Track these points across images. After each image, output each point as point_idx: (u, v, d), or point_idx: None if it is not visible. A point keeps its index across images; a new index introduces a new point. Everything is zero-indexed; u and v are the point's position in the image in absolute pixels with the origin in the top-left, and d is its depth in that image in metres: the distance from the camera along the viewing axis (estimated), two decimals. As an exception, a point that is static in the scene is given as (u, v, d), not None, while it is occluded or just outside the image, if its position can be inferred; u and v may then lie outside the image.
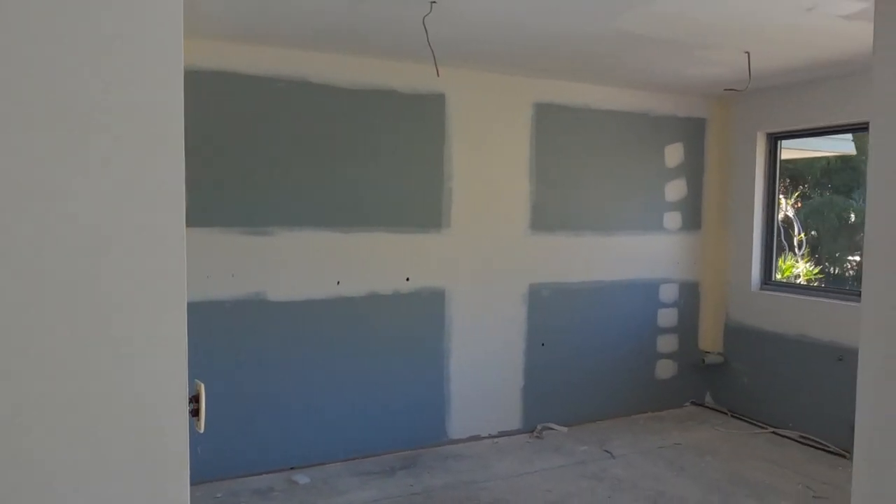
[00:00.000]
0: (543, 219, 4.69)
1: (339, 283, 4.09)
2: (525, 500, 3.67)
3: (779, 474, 4.04)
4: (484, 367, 4.56)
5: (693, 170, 5.26)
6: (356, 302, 4.15)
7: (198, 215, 3.71)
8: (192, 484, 3.79)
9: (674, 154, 5.17)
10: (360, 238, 4.14)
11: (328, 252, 4.06)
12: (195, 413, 1.58)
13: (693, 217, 5.29)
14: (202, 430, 1.60)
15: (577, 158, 4.79)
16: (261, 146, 3.86)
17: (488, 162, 4.49)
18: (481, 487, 3.82)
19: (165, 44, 1.26)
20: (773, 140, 5.05)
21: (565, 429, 4.78)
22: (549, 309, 4.75)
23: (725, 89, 4.59)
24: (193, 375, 3.80)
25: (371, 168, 4.15)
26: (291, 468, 4.01)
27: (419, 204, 4.30)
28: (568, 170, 4.76)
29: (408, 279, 4.29)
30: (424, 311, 4.36)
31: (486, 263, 4.53)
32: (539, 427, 4.73)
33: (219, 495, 3.67)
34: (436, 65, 3.60)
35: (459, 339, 4.47)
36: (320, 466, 4.06)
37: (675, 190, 5.20)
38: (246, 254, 3.86)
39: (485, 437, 4.59)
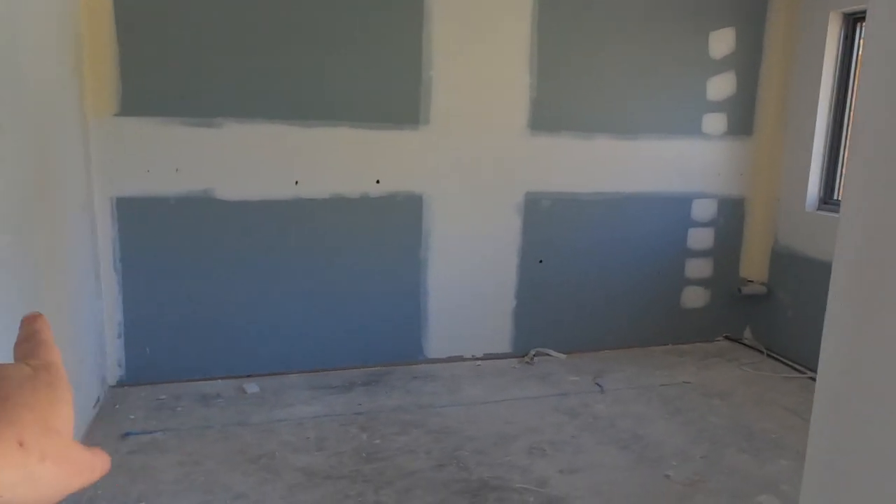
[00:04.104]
0: (546, 117, 4.03)
1: (297, 182, 3.72)
2: (476, 430, 3.27)
3: (794, 428, 3.38)
4: (468, 283, 4.10)
5: (746, 62, 4.34)
6: (318, 205, 3.78)
7: (134, 102, 3.42)
8: (137, 385, 3.63)
9: (722, 41, 4.26)
10: (322, 133, 3.71)
11: (284, 148, 3.67)
12: None
13: (743, 120, 4.41)
14: None
15: (593, 43, 4.03)
16: (204, 23, 3.46)
17: (478, 45, 3.86)
18: (435, 413, 3.46)
19: None
20: (851, 22, 4.02)
21: (563, 356, 4.28)
22: (549, 222, 4.17)
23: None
24: (138, 274, 3.62)
25: (334, 51, 3.65)
26: (248, 376, 3.82)
27: (392, 95, 3.78)
28: (580, 57, 4.02)
29: (378, 182, 3.85)
30: (398, 219, 3.92)
31: (474, 167, 3.98)
32: (532, 352, 4.26)
33: (162, 397, 3.54)
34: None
35: (440, 251, 4.02)
36: (280, 376, 3.84)
37: (721, 86, 4.32)
38: (191, 147, 3.55)
39: (468, 359, 4.19)
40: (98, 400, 3.39)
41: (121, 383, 3.65)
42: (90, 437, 3.09)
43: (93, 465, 0.43)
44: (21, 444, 0.37)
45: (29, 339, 0.46)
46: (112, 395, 3.55)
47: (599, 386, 3.84)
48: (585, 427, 3.34)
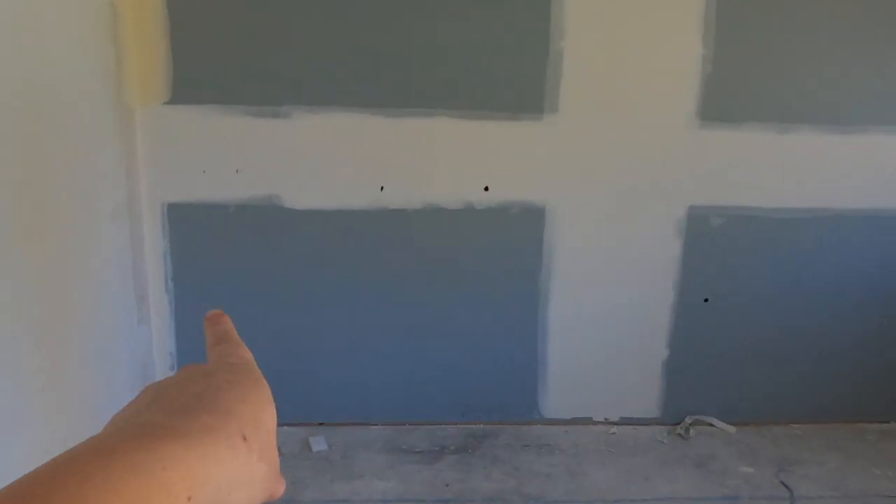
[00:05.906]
0: (723, 102, 2.89)
1: (382, 188, 2.91)
2: (600, 552, 2.30)
3: None
4: (603, 323, 3.09)
5: None
6: (408, 217, 2.95)
7: (188, 87, 2.77)
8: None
9: None
10: (415, 125, 2.86)
11: (367, 144, 2.87)
12: None
13: None
14: None
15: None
16: (270, -11, 2.73)
17: (629, 4, 2.81)
18: (545, 511, 2.52)
19: None
20: None
21: (733, 429, 3.15)
22: (720, 247, 3.04)
23: None
24: (192, 295, 2.94)
25: (432, 20, 2.78)
26: (320, 423, 3.11)
27: (508, 76, 2.84)
28: (779, 14, 2.84)
29: (487, 189, 2.94)
30: (512, 237, 3.00)
31: (617, 171, 2.95)
32: (688, 420, 3.17)
33: (213, 448, 2.91)
34: None
35: (565, 280, 3.04)
36: (356, 427, 3.09)
37: None
38: (254, 142, 2.85)
39: (598, 423, 3.19)
40: (137, 447, 2.82)
41: (173, 422, 3.08)
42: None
43: (282, 480, 0.39)
44: (245, 439, 0.34)
45: (221, 340, 0.45)
46: (160, 437, 2.98)
47: (787, 489, 2.69)
48: (767, 566, 2.25)
